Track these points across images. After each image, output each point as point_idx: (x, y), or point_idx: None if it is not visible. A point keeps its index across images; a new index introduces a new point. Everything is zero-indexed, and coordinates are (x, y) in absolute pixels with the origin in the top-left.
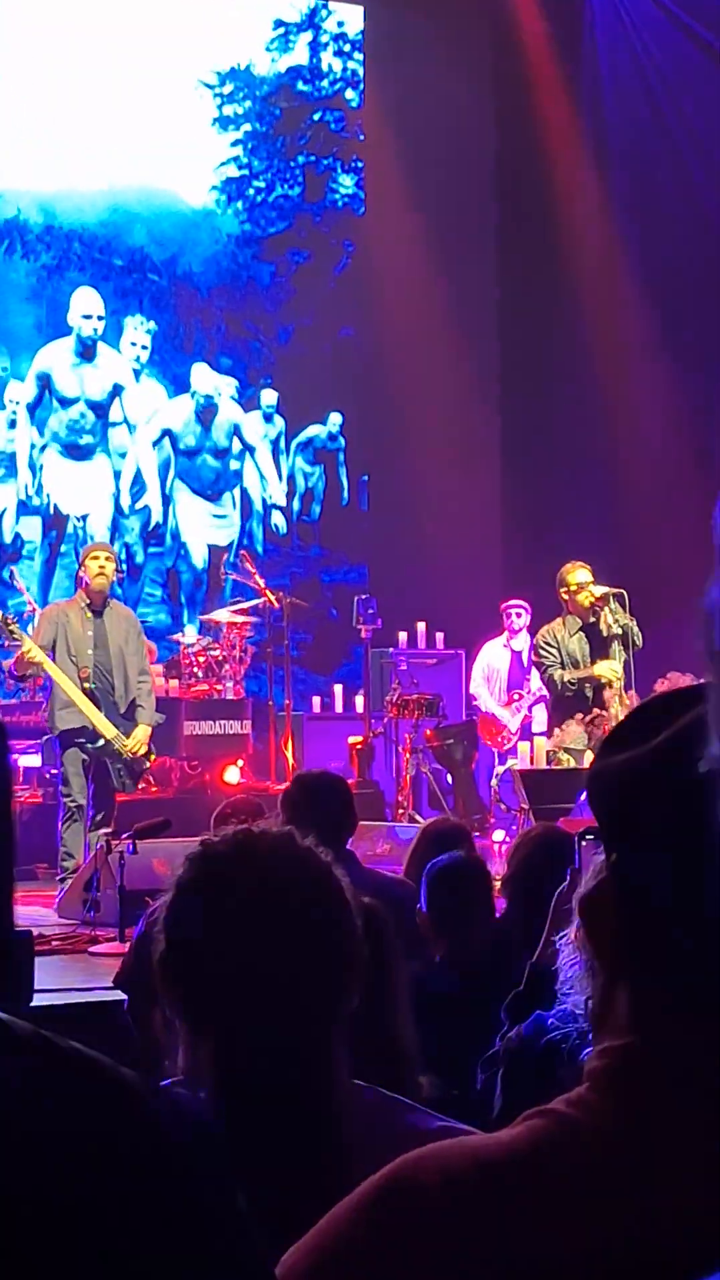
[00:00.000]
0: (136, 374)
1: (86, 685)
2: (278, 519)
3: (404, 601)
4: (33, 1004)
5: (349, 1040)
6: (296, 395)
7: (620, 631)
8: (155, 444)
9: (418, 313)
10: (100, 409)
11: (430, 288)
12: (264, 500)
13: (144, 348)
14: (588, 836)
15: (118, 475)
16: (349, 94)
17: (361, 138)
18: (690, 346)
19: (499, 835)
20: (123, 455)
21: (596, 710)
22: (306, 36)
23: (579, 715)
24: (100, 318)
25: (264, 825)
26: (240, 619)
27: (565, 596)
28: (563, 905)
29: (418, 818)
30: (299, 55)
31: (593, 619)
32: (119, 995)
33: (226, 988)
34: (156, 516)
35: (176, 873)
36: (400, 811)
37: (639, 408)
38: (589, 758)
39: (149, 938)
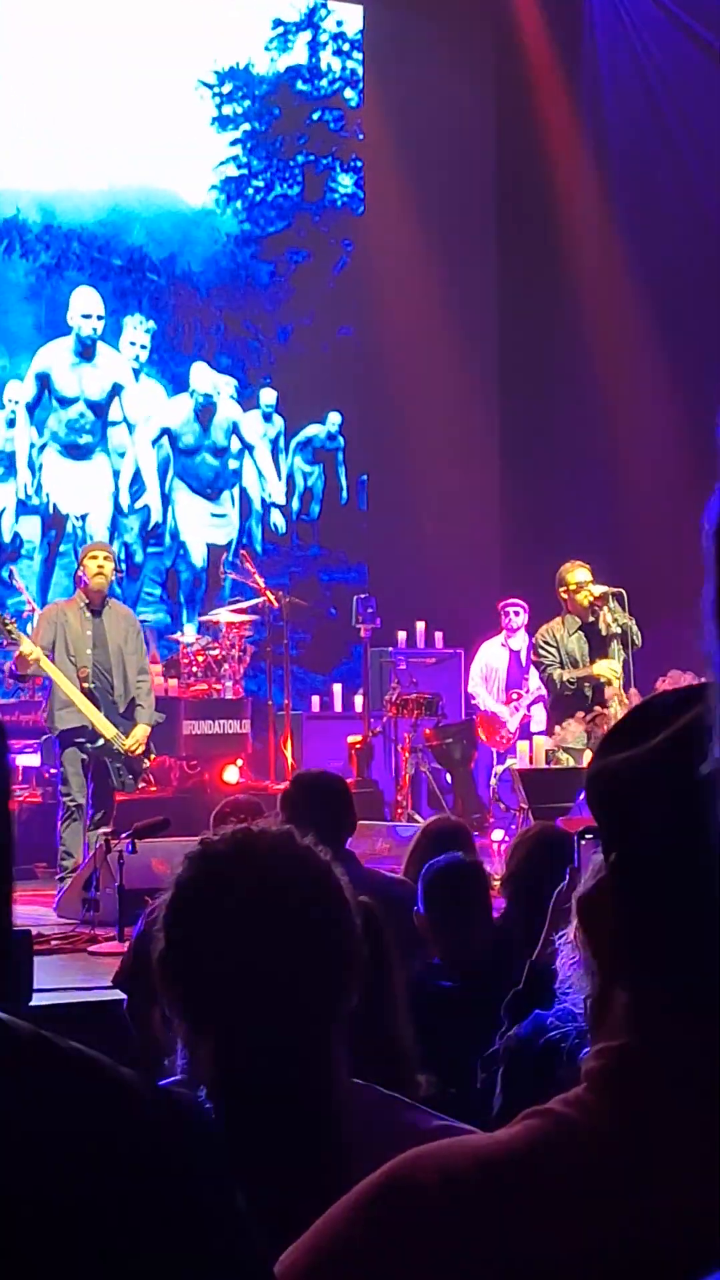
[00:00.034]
0: (136, 373)
1: (85, 685)
2: (277, 518)
3: (403, 601)
4: (32, 1003)
5: (348, 1039)
6: (295, 395)
7: (619, 631)
8: (154, 443)
9: (417, 312)
10: (99, 409)
11: (429, 287)
12: (263, 499)
13: (143, 347)
14: (587, 835)
15: (117, 475)
16: (348, 93)
17: (361, 137)
18: (690, 346)
19: (498, 835)
20: (122, 455)
21: (598, 708)
22: (306, 36)
23: (580, 713)
24: (100, 317)
25: (263, 824)
26: (239, 618)
27: (564, 596)
28: (562, 904)
29: (417, 817)
30: (298, 55)
31: (592, 618)
32: (118, 995)
33: (226, 987)
34: (156, 516)
35: (176, 872)
36: (399, 811)
37: (638, 407)
38: (588, 757)
39: (148, 937)
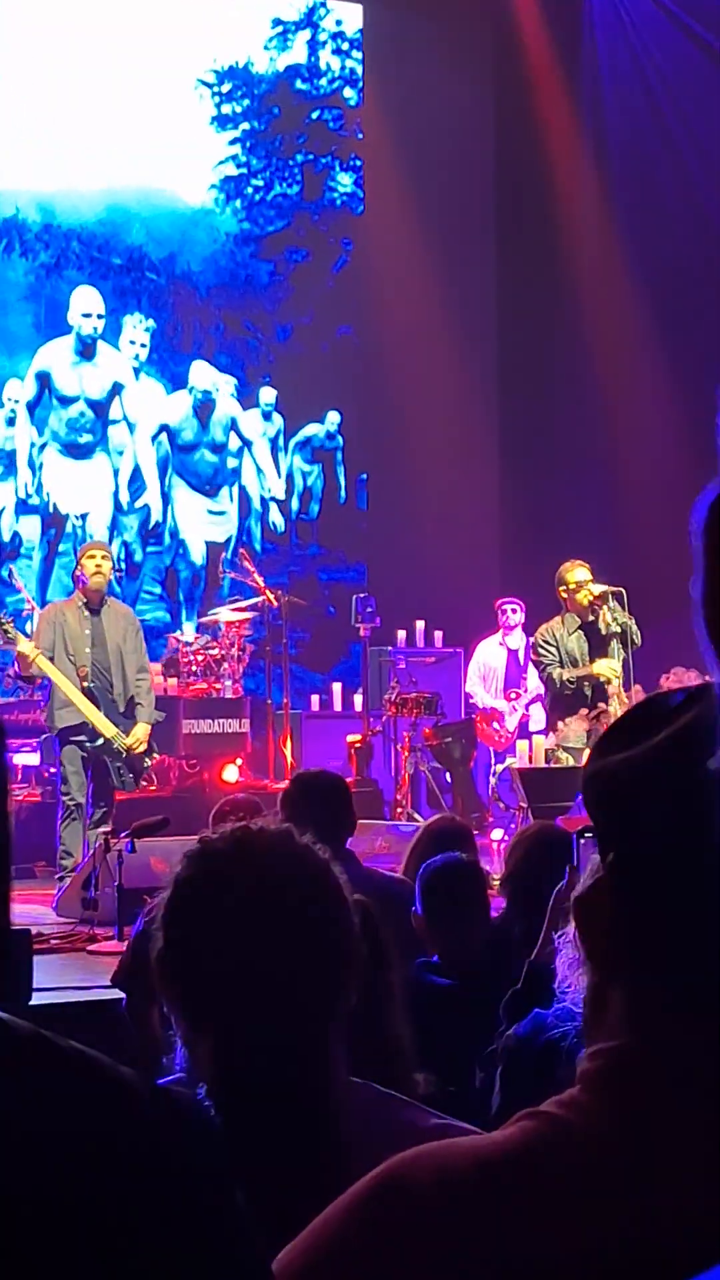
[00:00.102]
0: (136, 373)
1: (85, 684)
2: (276, 516)
3: (402, 600)
4: (31, 1002)
5: (347, 1037)
6: (295, 394)
7: (619, 630)
8: (153, 439)
9: (416, 311)
10: (100, 408)
11: (429, 286)
12: (262, 497)
13: (143, 346)
14: (587, 834)
15: (117, 473)
16: (347, 92)
17: (360, 136)
18: (690, 346)
19: (497, 834)
20: (121, 454)
21: (601, 706)
22: (305, 35)
23: (584, 710)
24: (100, 316)
25: (262, 823)
26: (239, 617)
27: (564, 595)
28: (561, 903)
29: (416, 816)
30: (297, 54)
31: (591, 617)
32: (118, 994)
33: (224, 985)
34: (156, 515)
35: (175, 870)
36: (399, 810)
37: (638, 406)
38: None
39: (147, 935)
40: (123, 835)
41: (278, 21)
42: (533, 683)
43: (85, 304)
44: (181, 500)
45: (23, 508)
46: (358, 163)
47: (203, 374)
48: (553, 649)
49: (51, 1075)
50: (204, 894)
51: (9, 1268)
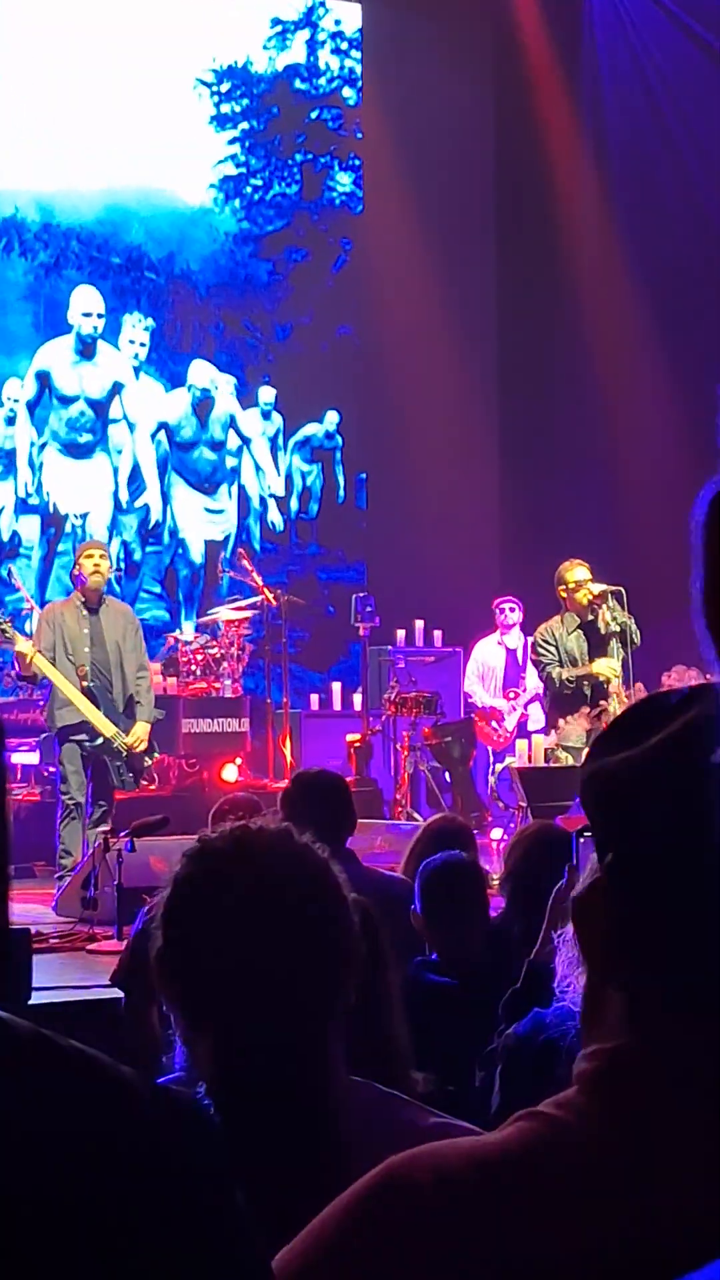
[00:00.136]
0: (136, 372)
1: (85, 683)
2: (275, 514)
3: (402, 599)
4: (31, 1002)
5: (346, 1036)
6: (294, 393)
7: (618, 629)
8: (151, 436)
9: (416, 311)
10: (100, 407)
11: (428, 286)
12: (261, 496)
13: (142, 345)
14: (586, 834)
15: (116, 473)
16: (346, 92)
17: (359, 136)
18: (689, 345)
19: (497, 833)
20: (120, 453)
21: (602, 704)
22: (304, 35)
23: (585, 709)
24: (100, 316)
25: (261, 822)
26: (238, 615)
27: (563, 594)
28: (560, 903)
29: (416, 816)
30: (297, 53)
31: (591, 617)
32: (117, 993)
33: (224, 984)
34: (156, 514)
35: (174, 869)
36: (398, 809)
37: (637, 406)
38: None
39: (147, 934)
40: (122, 834)
41: (277, 21)
42: (531, 682)
43: (85, 303)
44: (180, 498)
45: (22, 507)
46: (357, 162)
47: (202, 372)
48: (552, 648)
49: (51, 1074)
50: (203, 893)
51: (9, 1267)
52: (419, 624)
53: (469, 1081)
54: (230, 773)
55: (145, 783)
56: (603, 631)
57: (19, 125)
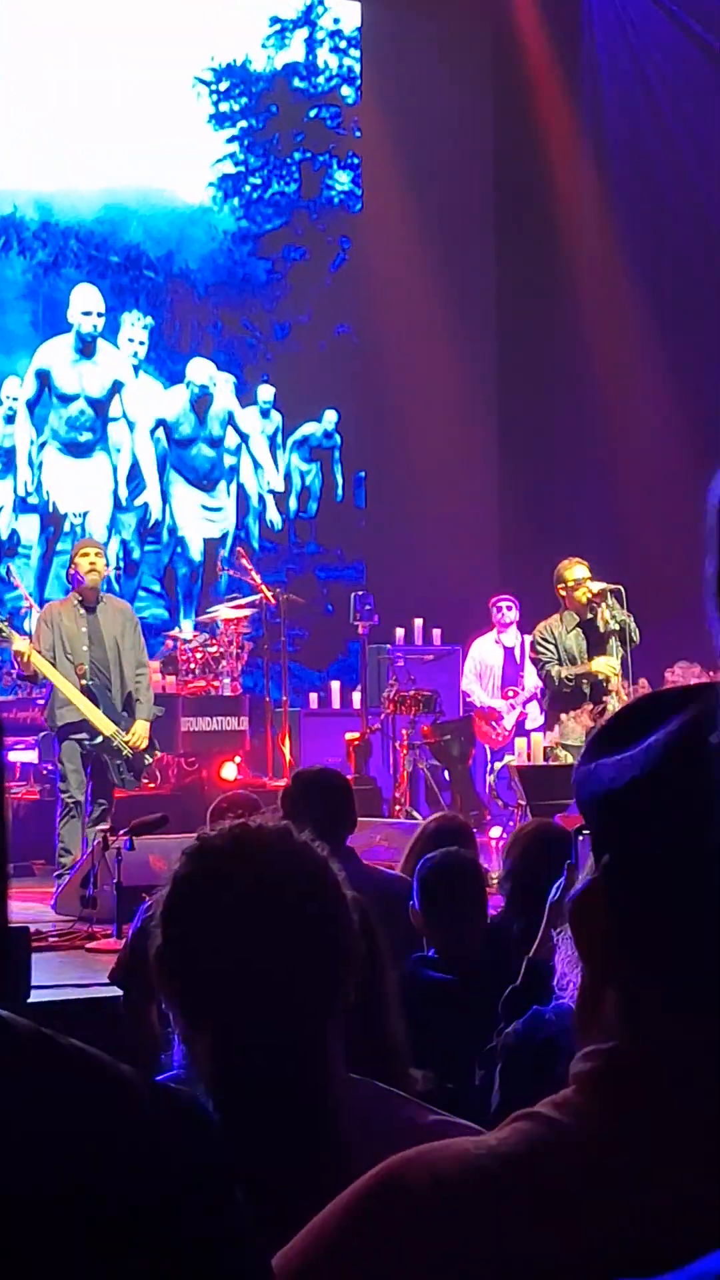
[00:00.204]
0: (135, 370)
1: (84, 682)
2: (273, 513)
3: (401, 598)
4: (30, 1000)
5: (345, 1034)
6: (293, 392)
7: (617, 627)
8: (150, 433)
9: (414, 310)
10: (100, 406)
11: (427, 285)
12: (260, 494)
13: (141, 343)
14: (584, 832)
15: (116, 471)
16: (345, 90)
17: (358, 134)
18: (689, 343)
19: (496, 832)
20: (120, 451)
21: (606, 702)
22: (303, 33)
23: (589, 705)
24: (100, 314)
25: (260, 820)
26: (238, 614)
27: (563, 592)
28: (560, 901)
29: (415, 814)
30: (295, 52)
31: (590, 615)
32: (116, 991)
33: (223, 982)
34: (155, 513)
35: (173, 867)
36: (397, 808)
37: (636, 404)
38: None
39: (146, 933)
40: (121, 833)
41: (275, 20)
42: (530, 681)
43: (85, 302)
44: (179, 496)
45: (22, 506)
46: (355, 161)
47: (200, 368)
48: (551, 646)
49: (51, 1073)
50: (202, 891)
51: (9, 1266)
52: (418, 622)
53: (468, 1079)
54: (229, 771)
55: (145, 781)
56: (602, 630)
57: (18, 124)
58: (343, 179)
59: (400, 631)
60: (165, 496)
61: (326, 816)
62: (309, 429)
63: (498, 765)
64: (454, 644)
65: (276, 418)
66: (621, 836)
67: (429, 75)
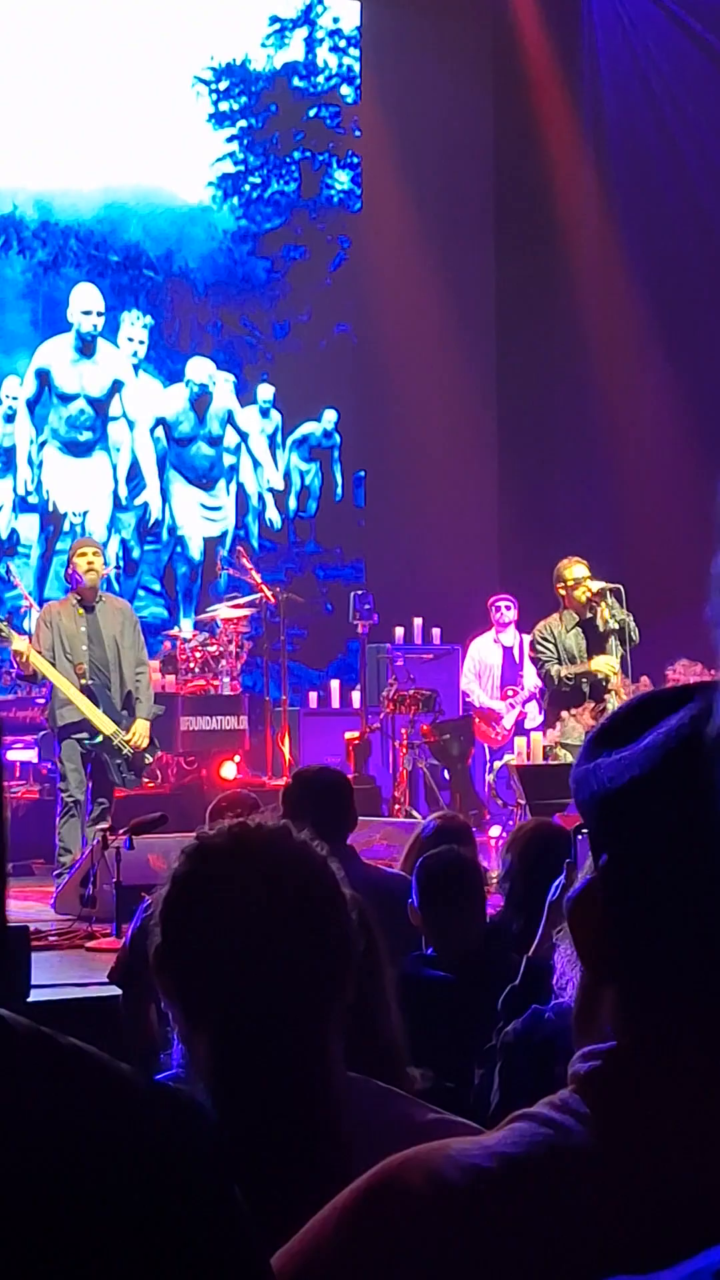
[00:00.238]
0: (135, 369)
1: (83, 681)
2: (273, 511)
3: (400, 597)
4: (30, 999)
5: (344, 1033)
6: (292, 392)
7: (617, 627)
8: (150, 431)
9: (414, 309)
10: (100, 405)
11: (427, 284)
12: (260, 493)
13: (141, 343)
14: (584, 831)
15: (116, 470)
16: (345, 90)
17: (358, 134)
18: (688, 342)
19: (495, 831)
20: (119, 450)
21: (607, 700)
22: (302, 32)
23: (591, 704)
24: (100, 314)
25: (259, 819)
26: (237, 613)
27: (562, 591)
28: (559, 900)
29: (414, 813)
30: (295, 51)
31: (590, 614)
32: (115, 990)
33: (222, 981)
34: (155, 512)
35: (172, 867)
36: (397, 807)
37: (636, 403)
38: None
39: (145, 932)
40: (121, 832)
41: (275, 19)
42: (529, 680)
43: (85, 301)
44: (178, 494)
45: (22, 505)
46: (355, 160)
47: (200, 367)
48: (551, 646)
49: (50, 1071)
50: (201, 890)
51: (7, 1264)
52: (417, 621)
53: (467, 1077)
54: (229, 770)
55: (145, 780)
56: (601, 629)
57: (17, 123)
58: (342, 178)
59: (400, 631)
60: (165, 495)
61: (327, 815)
62: (308, 428)
63: (497, 764)
64: (453, 643)
65: (276, 417)
66: (620, 836)
67: (429, 74)
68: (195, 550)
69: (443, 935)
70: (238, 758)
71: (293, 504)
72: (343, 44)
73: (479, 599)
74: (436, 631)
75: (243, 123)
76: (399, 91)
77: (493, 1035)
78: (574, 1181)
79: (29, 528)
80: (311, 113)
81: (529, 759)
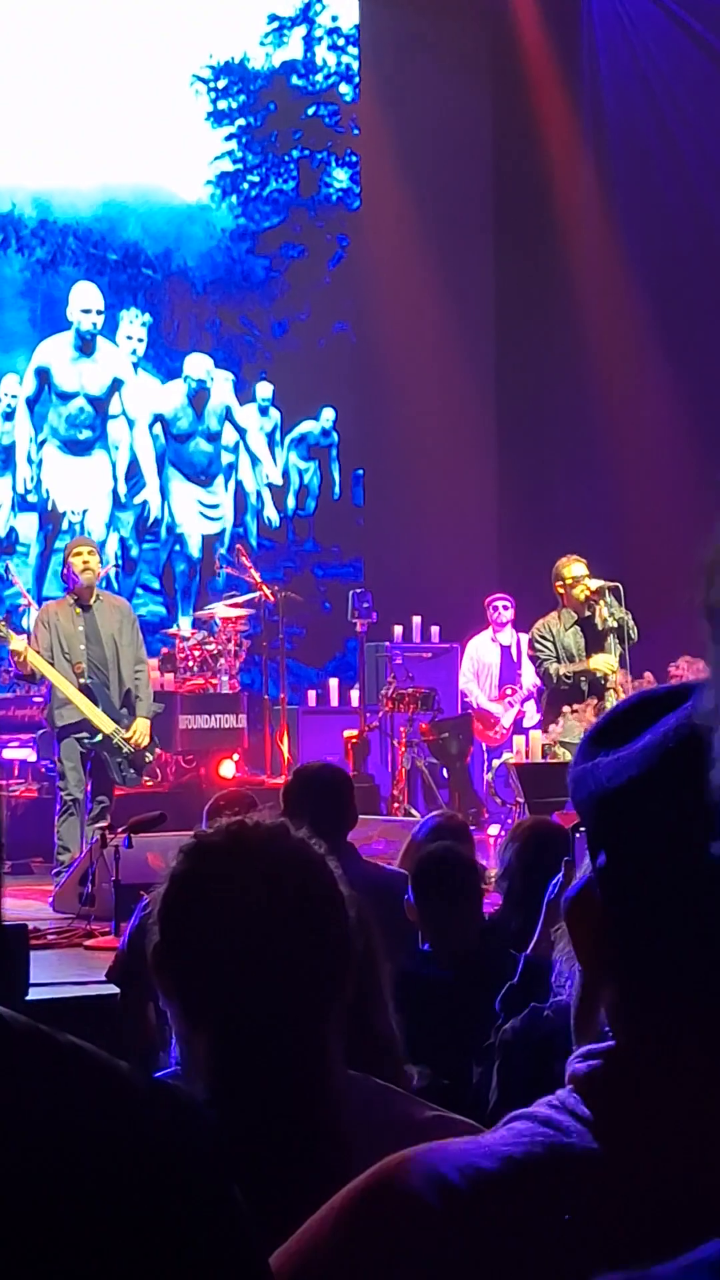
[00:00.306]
0: (135, 367)
1: (82, 681)
2: (272, 510)
3: (399, 595)
4: (28, 998)
5: (343, 1031)
6: (291, 390)
7: (616, 625)
8: (148, 428)
9: (413, 308)
10: (99, 404)
11: (425, 283)
12: (258, 490)
13: (140, 341)
14: (582, 829)
15: (115, 469)
16: (343, 88)
17: (356, 132)
18: (687, 341)
19: (494, 829)
20: (118, 449)
21: (607, 699)
22: (301, 31)
23: (594, 700)
24: (100, 312)
25: (257, 817)
26: (235, 612)
27: (561, 590)
28: (557, 899)
29: (413, 811)
30: (293, 49)
31: (588, 612)
32: (114, 989)
33: (221, 980)
34: (154, 510)
35: (170, 865)
36: (395, 805)
37: (635, 401)
38: None
39: (143, 930)
40: (120, 831)
41: (274, 17)
42: (528, 679)
43: (85, 300)
44: (177, 491)
45: (21, 504)
46: (354, 158)
47: (198, 363)
48: (549, 644)
49: (48, 1069)
50: (200, 889)
51: (7, 1264)
52: (416, 620)
53: (464, 1075)
54: (227, 769)
55: (144, 779)
56: (600, 627)
57: (16, 122)
58: (341, 176)
59: (398, 629)
60: (164, 493)
61: (327, 812)
62: (307, 427)
63: (496, 763)
64: (452, 642)
65: (275, 415)
66: (618, 836)
67: (428, 73)
68: (194, 548)
69: (440, 932)
70: (236, 756)
71: (291, 502)
72: (341, 42)
73: (478, 597)
74: (435, 630)
75: (241, 121)
76: (398, 90)
77: (491, 1033)
78: (574, 1182)
79: (28, 526)
80: (310, 111)
81: (527, 757)
